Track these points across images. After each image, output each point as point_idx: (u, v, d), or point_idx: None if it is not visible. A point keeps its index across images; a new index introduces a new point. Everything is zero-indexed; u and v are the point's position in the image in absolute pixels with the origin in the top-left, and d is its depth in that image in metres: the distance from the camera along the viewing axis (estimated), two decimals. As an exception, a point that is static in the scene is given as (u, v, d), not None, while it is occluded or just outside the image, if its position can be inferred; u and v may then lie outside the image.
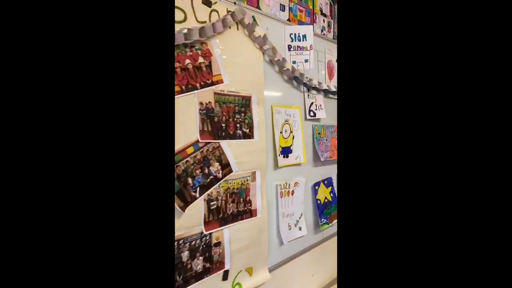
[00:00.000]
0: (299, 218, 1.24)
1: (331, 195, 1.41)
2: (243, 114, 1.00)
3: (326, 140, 1.38)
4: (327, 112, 1.39)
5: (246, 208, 1.01)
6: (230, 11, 0.95)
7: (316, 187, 1.33)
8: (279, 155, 1.13)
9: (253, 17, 1.03)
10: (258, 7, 1.09)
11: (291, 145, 1.19)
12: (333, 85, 1.42)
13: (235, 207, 0.98)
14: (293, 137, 1.21)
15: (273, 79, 1.14)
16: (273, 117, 1.12)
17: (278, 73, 1.15)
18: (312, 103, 1.30)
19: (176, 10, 0.82)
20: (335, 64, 1.46)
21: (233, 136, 0.96)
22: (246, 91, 1.01)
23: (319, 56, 1.37)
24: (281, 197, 1.15)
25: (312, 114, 1.30)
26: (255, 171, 1.04)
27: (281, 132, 1.15)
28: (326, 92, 1.36)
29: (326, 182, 1.39)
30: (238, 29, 0.99)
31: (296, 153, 1.21)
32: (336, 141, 1.45)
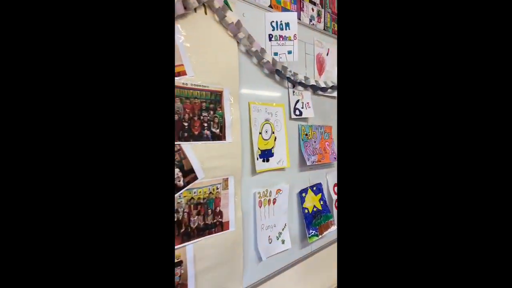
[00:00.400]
0: (282, 229, 1.10)
1: (321, 203, 1.27)
2: (212, 112, 0.86)
3: (315, 142, 1.24)
4: (316, 111, 1.25)
5: (215, 220, 0.87)
6: (195, -9, 0.81)
7: (303, 194, 1.19)
8: (257, 159, 0.99)
9: (225, 0, 0.90)
10: (233, -10, 0.96)
11: (272, 148, 1.06)
12: (323, 81, 1.28)
13: (201, 220, 0.84)
14: (275, 138, 1.07)
15: (252, 73, 1.00)
16: (250, 116, 0.98)
17: (257, 65, 1.02)
18: (298, 101, 1.17)
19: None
20: (326, 58, 1.32)
21: (199, 137, 0.83)
22: (217, 85, 0.87)
23: (307, 49, 1.23)
24: (260, 206, 1.02)
25: (297, 112, 1.16)
26: (227, 178, 0.90)
27: (260, 133, 1.01)
28: (315, 89, 1.22)
29: (315, 188, 1.25)
30: (206, 14, 0.86)
31: (279, 157, 1.08)
32: (326, 144, 1.31)
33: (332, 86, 1.29)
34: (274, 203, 1.07)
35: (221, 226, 0.89)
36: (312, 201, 1.23)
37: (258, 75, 1.03)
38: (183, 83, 0.79)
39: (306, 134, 1.21)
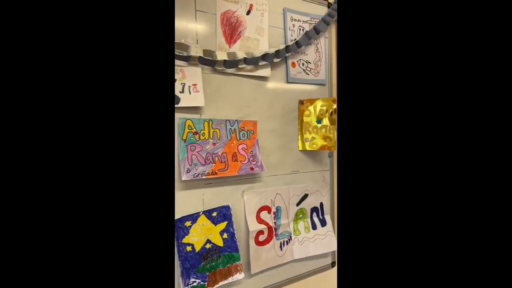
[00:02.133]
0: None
1: (225, 236, 0.84)
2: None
3: (214, 144, 0.83)
4: (223, 97, 0.83)
5: None
6: None
7: (186, 224, 0.79)
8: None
9: None
10: None
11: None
12: (236, 51, 0.84)
13: None
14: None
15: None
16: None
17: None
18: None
19: None
20: (246, 19, 0.88)
21: None
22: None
23: (200, 3, 0.81)
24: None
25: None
26: None
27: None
28: (208, 63, 0.80)
29: (215, 214, 0.83)
30: None
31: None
32: (240, 147, 0.87)
33: (246, 59, 0.85)
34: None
35: None
36: (204, 234, 0.81)
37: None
38: None
39: (196, 133, 0.80)
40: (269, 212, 0.94)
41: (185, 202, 0.79)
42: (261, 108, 0.93)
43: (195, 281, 0.78)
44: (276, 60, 0.91)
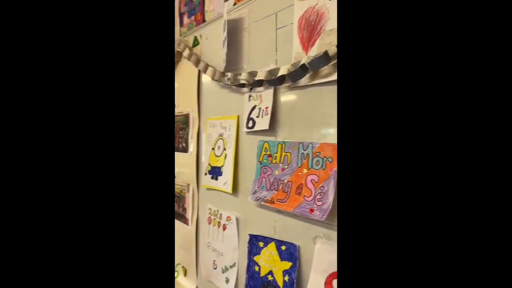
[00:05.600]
0: (230, 267, 0.91)
1: (287, 278, 0.71)
2: (184, 130, 1.15)
3: (283, 170, 0.73)
4: (291, 115, 0.73)
5: (181, 213, 1.15)
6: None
7: (260, 244, 0.80)
8: (205, 174, 1.00)
9: (195, 39, 1.09)
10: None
11: (222, 166, 0.94)
12: (313, 54, 0.67)
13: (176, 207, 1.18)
14: (225, 155, 0.93)
15: (214, 91, 1.01)
16: (206, 131, 1.03)
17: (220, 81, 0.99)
18: (254, 107, 0.82)
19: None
20: (328, 7, 0.64)
21: (176, 149, 1.18)
22: (186, 109, 1.13)
23: (280, 20, 0.75)
24: (210, 223, 1.00)
25: (250, 124, 0.82)
26: (188, 184, 1.11)
27: (213, 149, 0.99)
28: (273, 83, 0.72)
29: (283, 248, 0.74)
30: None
31: (225, 178, 0.92)
32: (310, 179, 0.67)
33: (310, 62, 0.63)
34: (224, 229, 0.94)
35: (185, 219, 1.13)
36: (270, 263, 0.76)
37: (216, 88, 0.99)
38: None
39: (270, 155, 0.78)
40: None
41: (261, 222, 0.81)
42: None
43: (253, 303, 0.78)
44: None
